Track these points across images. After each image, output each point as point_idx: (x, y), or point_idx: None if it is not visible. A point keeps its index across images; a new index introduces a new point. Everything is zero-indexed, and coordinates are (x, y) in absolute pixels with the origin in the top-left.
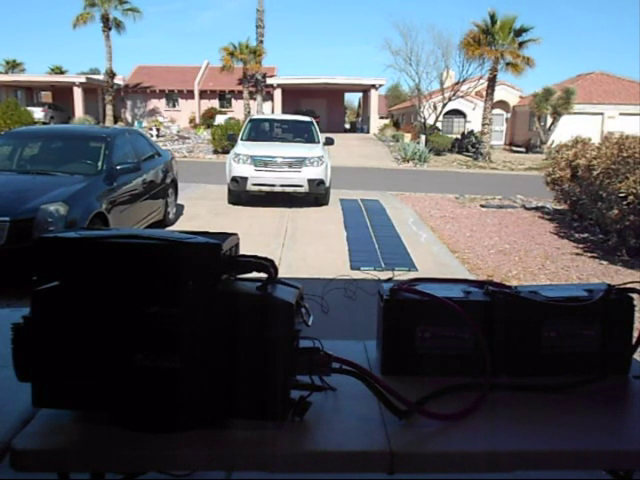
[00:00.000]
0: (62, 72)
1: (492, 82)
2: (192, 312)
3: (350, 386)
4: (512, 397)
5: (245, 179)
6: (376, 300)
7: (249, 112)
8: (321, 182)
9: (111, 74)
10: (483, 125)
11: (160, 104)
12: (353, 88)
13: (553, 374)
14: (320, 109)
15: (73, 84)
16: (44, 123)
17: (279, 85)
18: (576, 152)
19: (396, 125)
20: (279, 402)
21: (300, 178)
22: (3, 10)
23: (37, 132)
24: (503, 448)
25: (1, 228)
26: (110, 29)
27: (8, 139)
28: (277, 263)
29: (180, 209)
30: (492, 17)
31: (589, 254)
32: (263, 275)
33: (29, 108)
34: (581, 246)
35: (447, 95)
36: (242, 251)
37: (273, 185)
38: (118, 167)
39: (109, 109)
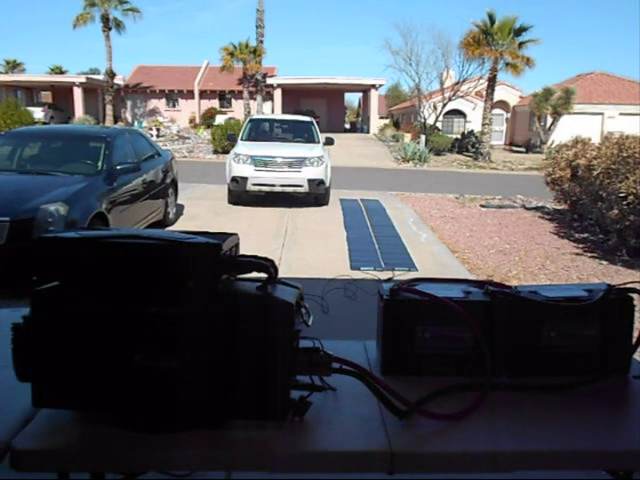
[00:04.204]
0: (62, 72)
1: (492, 82)
2: (192, 312)
3: (350, 386)
4: (512, 397)
5: (245, 179)
6: (376, 300)
7: (249, 112)
8: (321, 182)
9: (111, 74)
10: (483, 125)
11: (160, 104)
12: (353, 88)
13: (553, 374)
14: (320, 109)
15: (73, 84)
16: (44, 123)
17: (279, 85)
18: (576, 152)
19: (396, 125)
20: (279, 402)
21: (300, 178)
22: (3, 10)
23: (37, 132)
24: (503, 448)
25: (1, 228)
26: (110, 29)
27: (8, 139)
28: (277, 263)
29: (180, 209)
30: (491, 17)
31: (589, 254)
32: (263, 275)
33: (29, 108)
34: (581, 246)
35: (447, 95)
36: (242, 251)
37: (273, 185)
38: (118, 167)
39: (109, 109)
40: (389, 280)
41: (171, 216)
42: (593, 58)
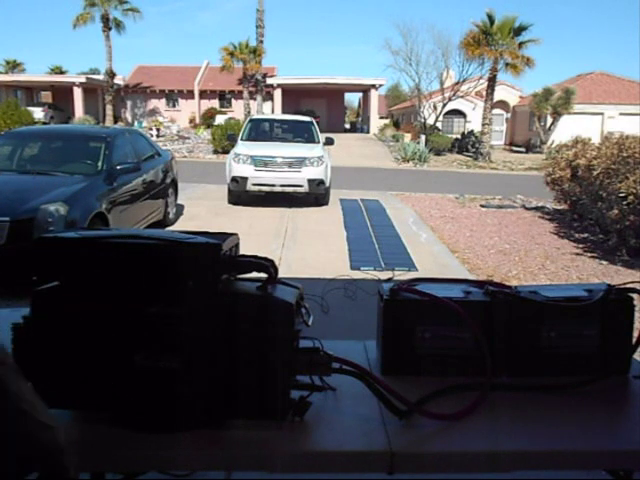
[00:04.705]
0: (62, 72)
1: (492, 82)
2: (192, 312)
3: (350, 386)
4: (512, 397)
5: (245, 179)
6: (376, 300)
7: (249, 112)
8: (321, 182)
9: (111, 74)
10: (483, 125)
11: (160, 104)
12: (353, 88)
13: (553, 374)
14: (320, 109)
15: (73, 84)
16: (44, 123)
17: (279, 85)
18: (576, 152)
19: (396, 125)
20: (279, 402)
21: (300, 178)
22: (3, 10)
23: (37, 132)
24: (503, 448)
25: (1, 228)
26: (110, 29)
27: (8, 139)
28: (277, 263)
29: (180, 209)
30: (490, 17)
31: (589, 254)
32: (263, 275)
33: (29, 108)
34: (581, 246)
35: (447, 95)
36: (242, 251)
37: (273, 185)
38: (118, 167)
39: (109, 109)
40: (389, 280)
41: (171, 216)
42: (593, 58)
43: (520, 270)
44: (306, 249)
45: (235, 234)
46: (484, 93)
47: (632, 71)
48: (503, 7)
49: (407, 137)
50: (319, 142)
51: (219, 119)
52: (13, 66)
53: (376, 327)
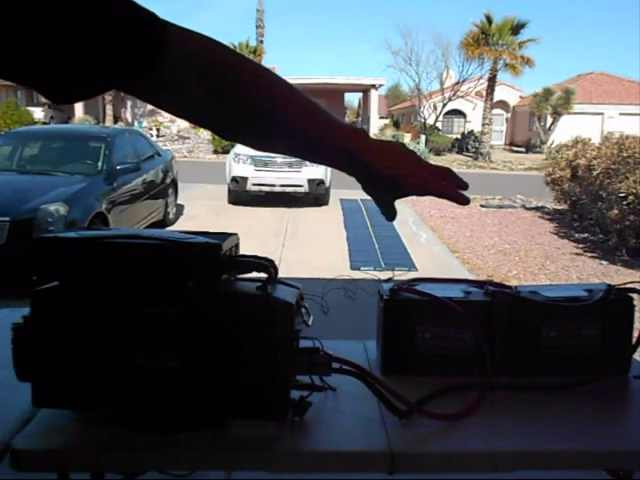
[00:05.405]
0: None
1: (492, 82)
2: (192, 312)
3: (350, 386)
4: (512, 397)
5: (245, 179)
6: (376, 300)
7: None
8: (321, 182)
9: None
10: (483, 125)
11: None
12: (353, 88)
13: (553, 374)
14: None
15: None
16: (44, 123)
17: None
18: (576, 152)
19: (396, 125)
20: (279, 402)
21: (300, 178)
22: None
23: (37, 132)
24: (503, 448)
25: (1, 228)
26: None
27: (8, 139)
28: (277, 263)
29: (180, 209)
30: (489, 18)
31: (589, 254)
32: (263, 275)
33: (29, 108)
34: (581, 246)
35: (447, 95)
36: (242, 251)
37: (273, 185)
38: (118, 167)
39: (109, 109)
40: (389, 280)
41: (171, 216)
42: (593, 58)
43: (520, 270)
44: (306, 249)
45: (235, 234)
46: (484, 93)
47: (632, 71)
48: (503, 6)
49: (407, 137)
50: None
51: None
52: None
53: (376, 327)
